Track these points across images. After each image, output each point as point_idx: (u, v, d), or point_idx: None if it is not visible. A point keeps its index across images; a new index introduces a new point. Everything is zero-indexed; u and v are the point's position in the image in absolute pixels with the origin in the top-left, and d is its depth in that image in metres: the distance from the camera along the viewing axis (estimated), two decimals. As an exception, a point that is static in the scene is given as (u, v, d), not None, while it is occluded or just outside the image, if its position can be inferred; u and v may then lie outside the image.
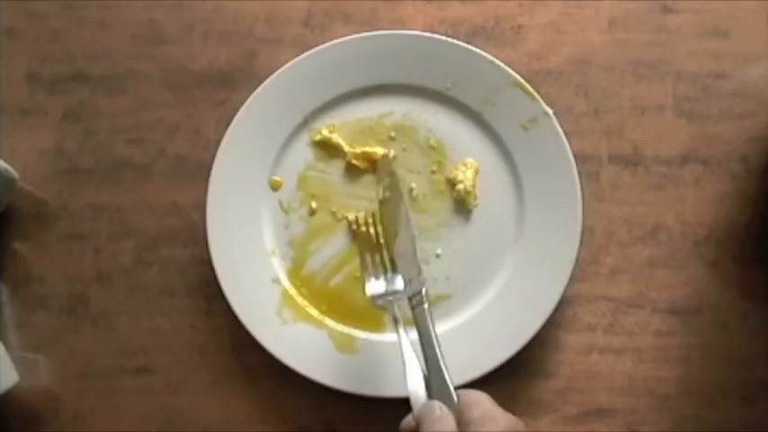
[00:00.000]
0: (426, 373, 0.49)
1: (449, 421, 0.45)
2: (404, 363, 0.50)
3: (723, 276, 0.60)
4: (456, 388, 0.48)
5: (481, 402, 0.46)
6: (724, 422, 0.58)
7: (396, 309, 0.54)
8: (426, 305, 0.50)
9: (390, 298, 0.54)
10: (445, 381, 0.47)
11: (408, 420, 0.48)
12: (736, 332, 0.59)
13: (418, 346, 0.49)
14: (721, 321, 0.59)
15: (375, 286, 0.55)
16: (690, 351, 0.59)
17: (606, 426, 0.58)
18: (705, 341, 0.59)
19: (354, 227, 0.59)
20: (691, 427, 0.58)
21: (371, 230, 0.58)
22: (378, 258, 0.56)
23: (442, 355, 0.48)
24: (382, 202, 0.55)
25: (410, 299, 0.51)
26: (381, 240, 0.57)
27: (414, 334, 0.50)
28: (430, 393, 0.48)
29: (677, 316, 0.59)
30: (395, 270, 0.55)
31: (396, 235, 0.54)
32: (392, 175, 0.55)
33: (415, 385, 0.49)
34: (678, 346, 0.59)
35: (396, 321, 0.53)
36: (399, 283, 0.54)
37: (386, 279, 0.55)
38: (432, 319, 0.49)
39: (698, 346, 0.59)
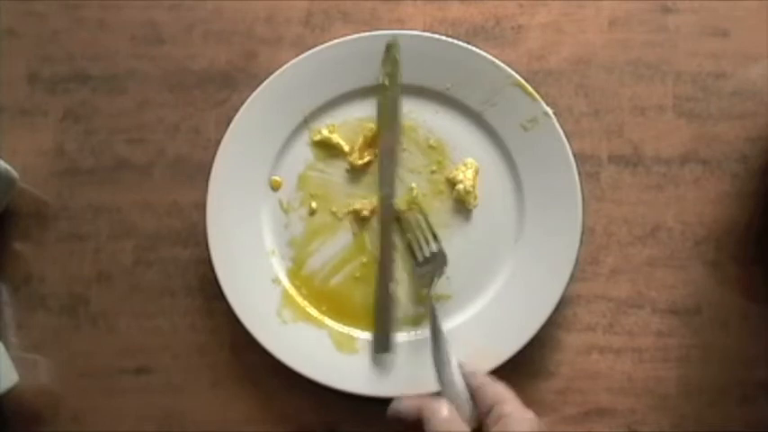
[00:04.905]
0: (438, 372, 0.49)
1: (458, 423, 0.44)
2: (438, 350, 0.51)
3: (723, 276, 0.60)
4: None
5: (510, 400, 0.45)
6: (724, 422, 0.58)
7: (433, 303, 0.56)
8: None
9: (431, 267, 0.57)
10: (454, 378, 0.48)
11: (406, 407, 0.47)
12: (736, 332, 0.59)
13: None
14: (721, 321, 0.59)
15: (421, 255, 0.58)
16: (690, 351, 0.59)
17: (606, 426, 0.58)
18: (705, 341, 0.59)
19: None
20: (691, 427, 0.58)
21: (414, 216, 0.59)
22: (421, 236, 0.58)
23: (452, 353, 0.49)
24: (383, 89, 0.59)
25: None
26: (423, 225, 0.59)
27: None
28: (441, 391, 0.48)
29: (677, 316, 0.59)
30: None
31: (386, 128, 0.59)
32: (395, 63, 0.57)
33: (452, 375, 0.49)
34: (678, 346, 0.59)
35: (433, 312, 0.54)
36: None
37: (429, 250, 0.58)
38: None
39: (698, 346, 0.59)
